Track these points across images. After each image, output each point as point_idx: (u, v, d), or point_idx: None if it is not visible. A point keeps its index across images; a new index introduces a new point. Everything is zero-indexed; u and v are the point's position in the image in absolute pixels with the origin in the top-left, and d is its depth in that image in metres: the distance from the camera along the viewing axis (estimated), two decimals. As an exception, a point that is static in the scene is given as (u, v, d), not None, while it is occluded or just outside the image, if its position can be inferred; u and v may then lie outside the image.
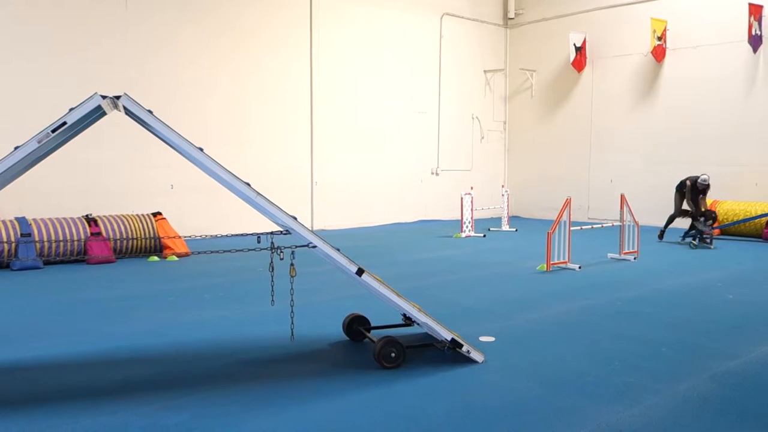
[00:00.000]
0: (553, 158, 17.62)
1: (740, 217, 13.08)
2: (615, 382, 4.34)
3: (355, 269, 4.44)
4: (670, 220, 12.56)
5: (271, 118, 13.85)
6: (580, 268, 9.09)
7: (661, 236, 12.52)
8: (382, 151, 15.81)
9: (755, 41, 13.63)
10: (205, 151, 4.25)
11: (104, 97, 3.96)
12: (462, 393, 4.13)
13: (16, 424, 3.64)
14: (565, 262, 9.19)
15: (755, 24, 13.56)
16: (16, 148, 3.83)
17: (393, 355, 4.60)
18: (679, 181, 12.50)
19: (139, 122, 4.48)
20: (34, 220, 9.72)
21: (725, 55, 14.25)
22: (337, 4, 14.77)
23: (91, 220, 10.14)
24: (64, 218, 10.03)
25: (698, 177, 12.06)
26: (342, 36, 14.88)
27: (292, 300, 4.84)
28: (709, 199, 14.05)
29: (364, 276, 4.46)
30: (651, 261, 9.89)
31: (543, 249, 9.59)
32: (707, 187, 12.08)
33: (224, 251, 5.08)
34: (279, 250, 4.49)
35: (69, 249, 9.77)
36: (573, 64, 16.57)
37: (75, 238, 9.75)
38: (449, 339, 4.65)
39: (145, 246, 10.55)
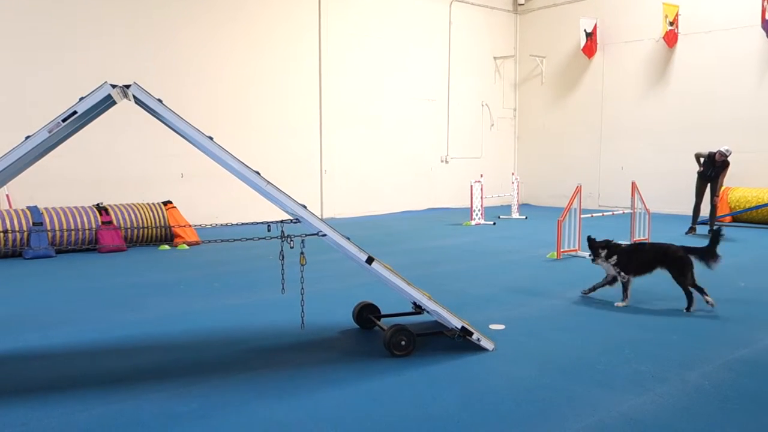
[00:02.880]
0: (564, 145, 17.53)
1: (752, 204, 12.97)
2: (626, 370, 4.33)
3: (365, 257, 4.44)
4: (695, 210, 11.59)
5: (280, 107, 13.83)
6: (590, 255, 9.04)
7: (692, 231, 11.48)
8: (392, 139, 15.78)
9: (769, 26, 13.46)
10: (214, 139, 4.24)
11: (114, 86, 3.96)
12: (472, 381, 4.13)
13: (29, 411, 3.68)
14: (576, 250, 9.16)
15: (769, 8, 13.38)
16: (27, 137, 3.84)
17: (403, 343, 4.61)
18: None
19: (149, 111, 4.48)
20: (46, 209, 9.78)
21: (738, 39, 14.09)
22: (345, -9, 14.73)
23: (102, 209, 10.19)
24: (76, 207, 10.09)
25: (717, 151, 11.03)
26: (350, 23, 14.81)
27: (302, 288, 4.85)
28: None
29: (374, 264, 4.46)
30: (662, 248, 9.81)
31: (553, 237, 9.55)
32: (725, 162, 11.03)
33: (234, 240, 5.09)
34: (289, 239, 4.50)
35: (80, 238, 9.83)
36: (584, 50, 16.43)
37: (86, 227, 9.81)
38: (459, 327, 4.65)
39: (155, 235, 10.61)
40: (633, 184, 10.04)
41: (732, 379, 4.16)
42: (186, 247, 10.22)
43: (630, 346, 4.86)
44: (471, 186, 13.29)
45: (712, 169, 11.28)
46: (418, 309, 5.29)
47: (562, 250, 9.01)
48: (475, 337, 4.69)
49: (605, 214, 10.89)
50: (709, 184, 11.44)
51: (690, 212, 11.98)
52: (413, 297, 4.68)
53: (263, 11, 13.46)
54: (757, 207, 12.62)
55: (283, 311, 5.92)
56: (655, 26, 15.27)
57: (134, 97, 4.10)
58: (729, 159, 11.26)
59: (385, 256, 8.77)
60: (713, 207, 11.46)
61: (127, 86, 4.01)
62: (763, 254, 9.36)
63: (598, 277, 7.65)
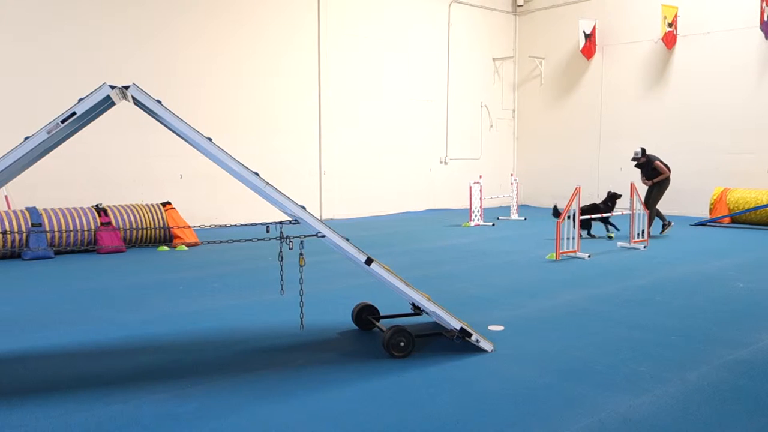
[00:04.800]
0: (563, 146, 17.53)
1: (751, 205, 12.98)
2: (624, 371, 4.33)
3: (363, 258, 4.44)
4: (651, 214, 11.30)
5: (279, 108, 13.84)
6: (589, 256, 9.06)
7: (664, 228, 11.47)
8: (391, 140, 15.78)
9: (767, 27, 13.47)
10: (213, 141, 4.25)
11: (113, 87, 3.96)
12: (471, 382, 4.14)
13: (28, 412, 3.68)
14: (575, 251, 9.17)
15: (767, 9, 13.40)
16: (26, 138, 3.84)
17: (402, 344, 4.61)
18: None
19: (147, 112, 4.49)
20: (45, 210, 9.78)
21: (737, 41, 14.10)
22: (344, -7, 14.74)
23: (101, 210, 10.19)
24: (75, 208, 10.09)
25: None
26: (350, 24, 14.83)
27: (301, 289, 4.85)
28: (719, 187, 13.96)
29: (373, 265, 4.46)
30: (661, 250, 9.85)
31: (552, 238, 9.56)
32: (648, 162, 11.03)
33: (233, 241, 5.10)
34: (288, 240, 4.50)
35: (79, 239, 9.83)
36: (582, 51, 16.45)
37: (85, 228, 9.80)
38: (458, 328, 4.66)
39: (154, 236, 10.60)
40: (632, 185, 10.05)
41: (731, 380, 4.17)
42: (185, 248, 10.22)
43: (629, 347, 4.87)
44: (470, 187, 13.31)
45: (642, 172, 11.26)
46: (417, 310, 5.29)
47: (561, 251, 9.02)
48: (474, 338, 4.69)
49: (604, 215, 10.89)
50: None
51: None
52: (412, 298, 4.68)
53: (262, 11, 13.47)
54: (755, 208, 12.63)
55: (283, 312, 5.93)
56: (653, 27, 15.28)
57: (133, 98, 4.11)
58: (653, 158, 11.12)
59: (384, 257, 8.78)
60: (649, 215, 10.88)
61: (126, 87, 4.01)
62: (762, 255, 9.37)
63: (596, 277, 7.68)
